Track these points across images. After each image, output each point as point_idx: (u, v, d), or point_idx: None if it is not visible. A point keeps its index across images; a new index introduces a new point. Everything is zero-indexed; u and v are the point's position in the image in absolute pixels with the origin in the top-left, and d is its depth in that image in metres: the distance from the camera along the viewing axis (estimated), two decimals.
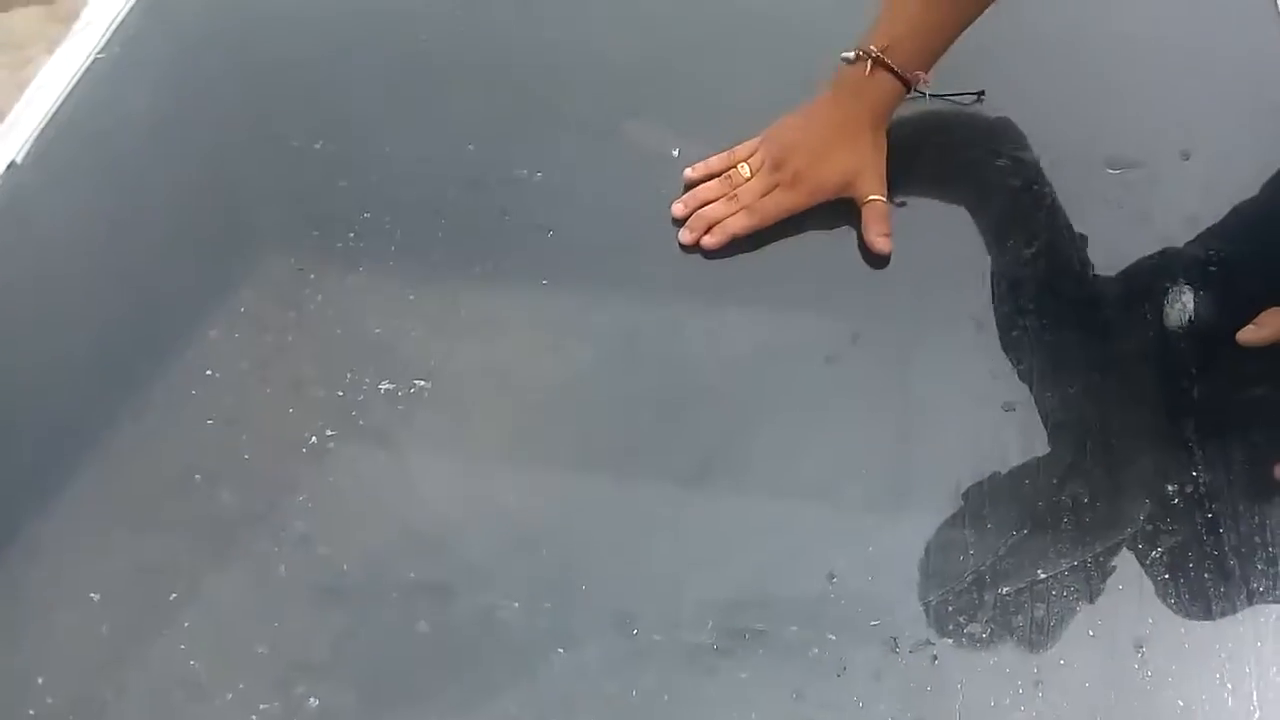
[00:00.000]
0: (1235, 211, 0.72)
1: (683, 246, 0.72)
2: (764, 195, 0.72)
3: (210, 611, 0.59)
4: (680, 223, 0.73)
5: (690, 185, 0.75)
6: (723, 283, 0.71)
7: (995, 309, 0.68)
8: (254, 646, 0.57)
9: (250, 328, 0.71)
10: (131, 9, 0.95)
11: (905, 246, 0.71)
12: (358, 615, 0.58)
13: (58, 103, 0.88)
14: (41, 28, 2.62)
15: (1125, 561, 0.57)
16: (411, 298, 0.72)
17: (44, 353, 0.73)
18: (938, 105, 0.78)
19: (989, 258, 0.71)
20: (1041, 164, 0.76)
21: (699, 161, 0.76)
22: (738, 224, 0.72)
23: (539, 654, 0.56)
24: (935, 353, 0.67)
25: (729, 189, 0.73)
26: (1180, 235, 0.71)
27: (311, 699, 0.55)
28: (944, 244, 0.72)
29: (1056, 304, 0.68)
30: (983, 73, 0.79)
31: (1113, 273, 0.70)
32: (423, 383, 0.67)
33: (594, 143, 0.80)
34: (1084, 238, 0.72)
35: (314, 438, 0.65)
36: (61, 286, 0.77)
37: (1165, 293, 0.69)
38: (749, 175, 0.73)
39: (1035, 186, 0.74)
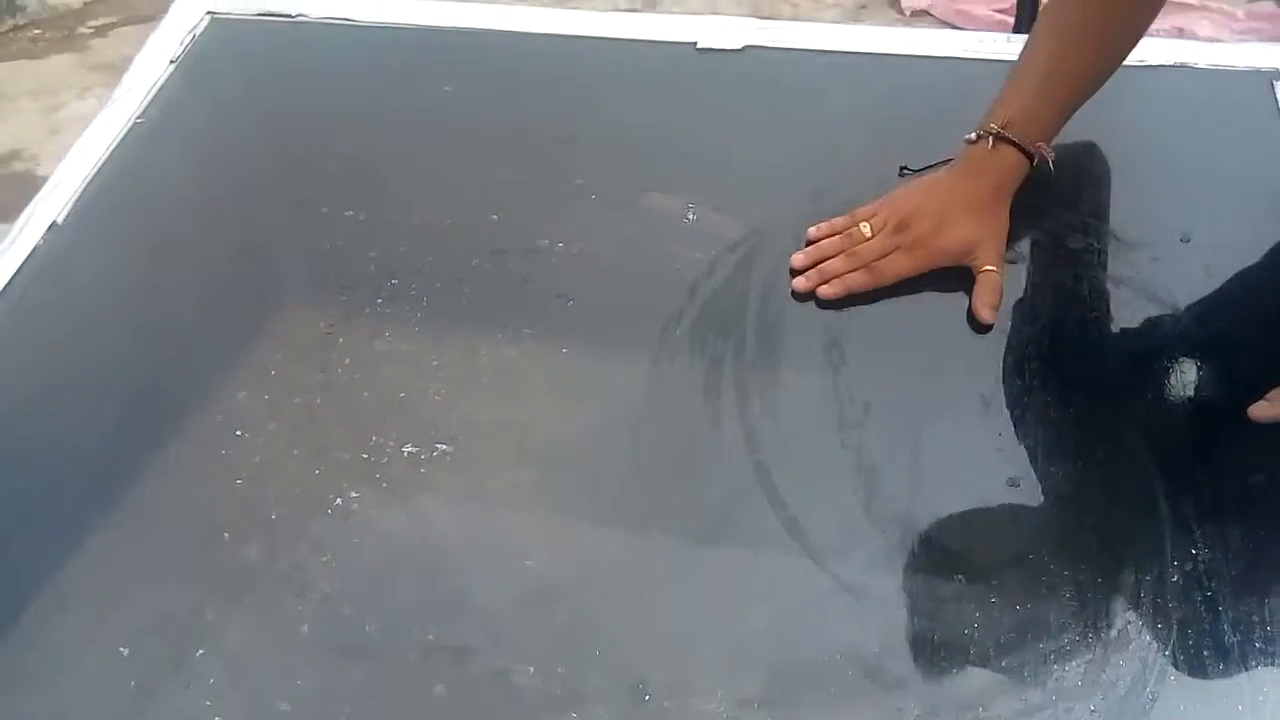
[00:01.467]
0: (1234, 292, 0.75)
1: (795, 295, 0.75)
2: (883, 256, 0.75)
3: (235, 668, 0.61)
4: (798, 272, 0.76)
5: (810, 241, 0.78)
6: (735, 349, 0.74)
7: (1004, 385, 0.70)
8: (277, 704, 0.59)
9: (280, 389, 0.73)
10: (170, 76, 0.99)
11: (919, 321, 0.74)
12: (378, 675, 0.60)
13: (97, 165, 0.92)
14: (73, 75, 2.70)
15: (1125, 636, 0.59)
16: (435, 362, 0.75)
17: (77, 409, 0.76)
18: None
19: (1000, 335, 0.73)
20: (1050, 244, 0.78)
21: (799, 234, 0.79)
22: (857, 280, 0.75)
23: (551, 717, 0.57)
24: (944, 426, 0.69)
25: (849, 245, 0.76)
26: (1181, 313, 0.74)
27: None
28: (956, 320, 0.74)
29: (1061, 381, 0.70)
30: None
31: (1117, 350, 0.72)
32: (444, 446, 0.70)
33: (610, 214, 0.83)
34: (1093, 315, 0.74)
35: (339, 499, 0.67)
36: (97, 344, 0.80)
37: (1167, 370, 0.71)
38: (869, 235, 0.76)
39: (1043, 265, 0.77)
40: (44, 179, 2.58)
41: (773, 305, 0.76)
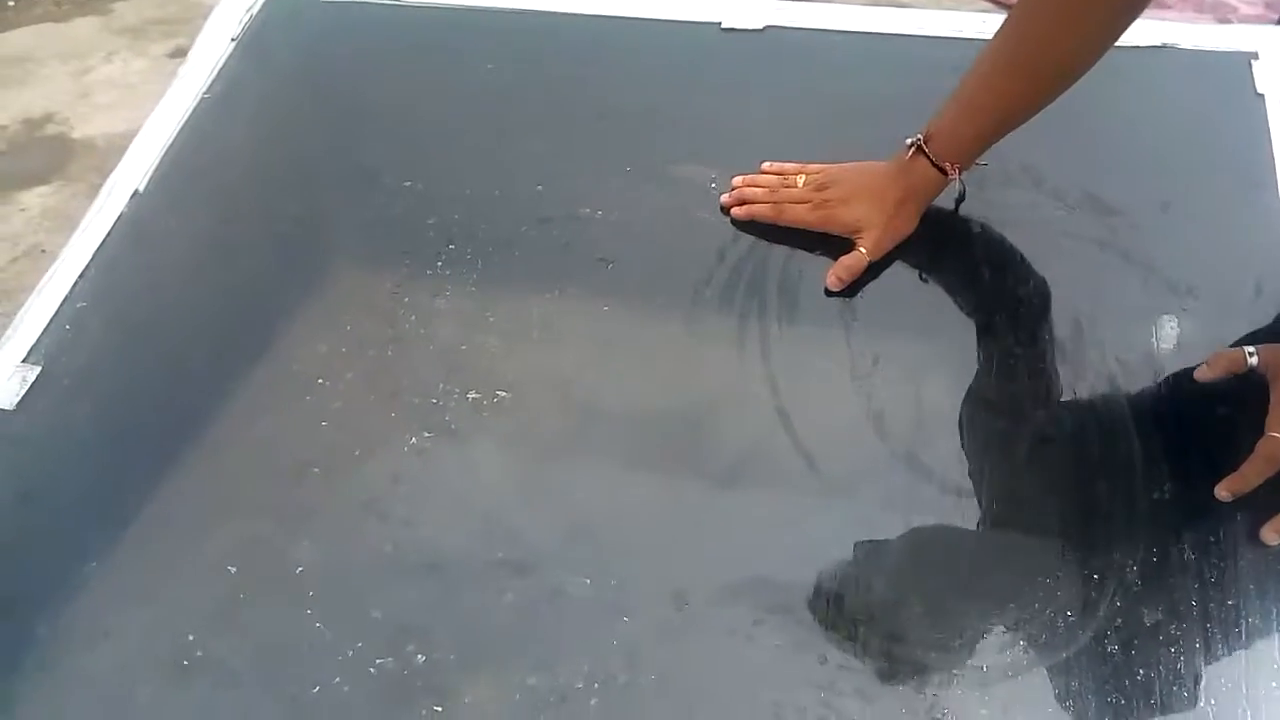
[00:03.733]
0: (1206, 255, 0.83)
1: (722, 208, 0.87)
2: (795, 203, 0.85)
3: (331, 583, 0.70)
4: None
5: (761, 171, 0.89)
6: (759, 307, 0.82)
7: (997, 336, 0.79)
8: (370, 612, 0.69)
9: (354, 343, 0.82)
10: (231, 53, 1.07)
11: (922, 286, 0.83)
12: (453, 586, 0.70)
13: (172, 137, 1.00)
14: (98, 38, 2.76)
15: (1116, 582, 0.68)
16: (491, 319, 0.84)
17: (171, 361, 0.85)
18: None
19: (995, 293, 0.82)
20: (1043, 207, 0.86)
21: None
22: (761, 210, 0.85)
23: (606, 622, 0.67)
24: (944, 377, 0.78)
25: (779, 186, 0.87)
26: (1159, 273, 0.82)
27: (419, 655, 0.66)
28: (955, 283, 0.83)
29: (1049, 334, 0.79)
30: None
31: (1097, 305, 0.81)
32: (503, 393, 0.79)
33: (644, 184, 0.91)
34: (1079, 275, 0.82)
35: (413, 438, 0.76)
36: (185, 301, 0.89)
37: (1143, 323, 0.79)
38: (799, 186, 0.86)
39: (1035, 227, 0.85)
40: (77, 141, 2.66)
41: (792, 268, 0.84)
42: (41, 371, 0.83)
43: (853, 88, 0.97)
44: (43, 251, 2.03)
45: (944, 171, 0.81)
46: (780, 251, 0.85)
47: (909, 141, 0.82)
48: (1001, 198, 0.87)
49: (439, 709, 0.64)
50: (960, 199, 0.85)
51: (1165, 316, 0.80)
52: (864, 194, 0.83)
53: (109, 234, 0.93)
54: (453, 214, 0.90)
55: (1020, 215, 0.86)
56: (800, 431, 0.76)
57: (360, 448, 0.77)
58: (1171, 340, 0.79)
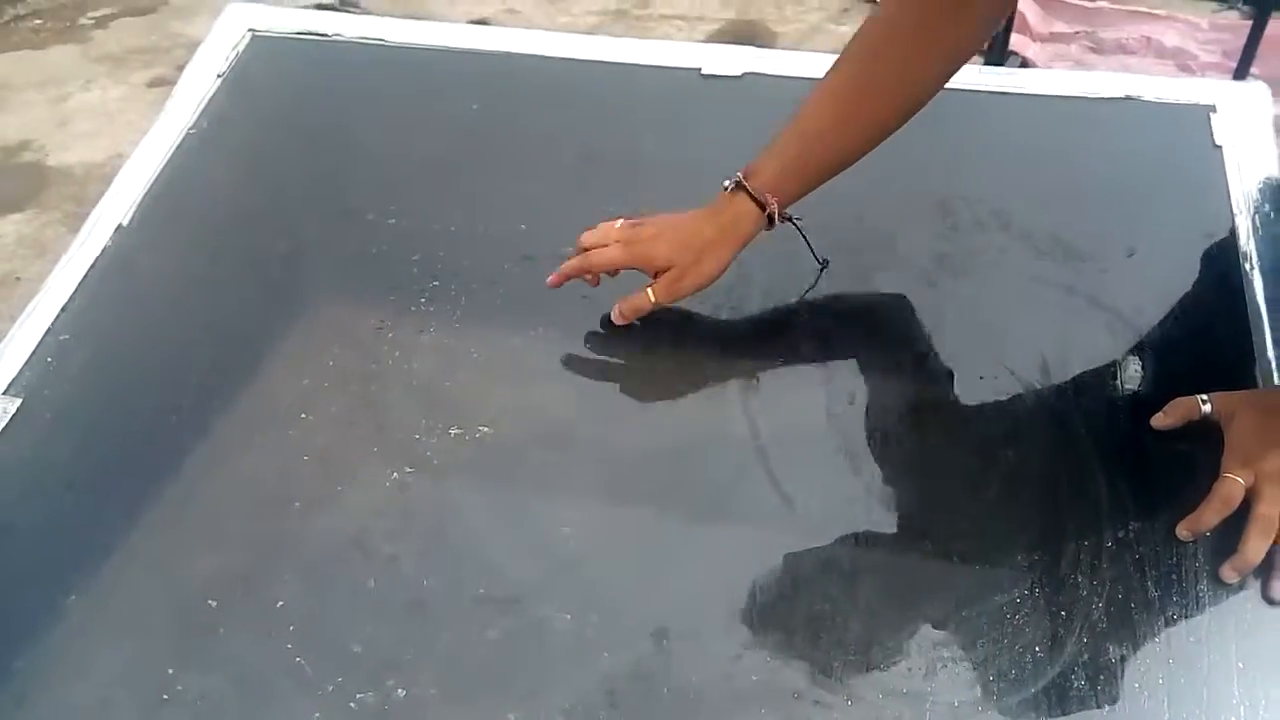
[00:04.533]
0: (1170, 300, 0.86)
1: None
2: (606, 247, 0.83)
3: (312, 618, 0.71)
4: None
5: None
6: (738, 346, 0.84)
7: (968, 377, 0.82)
8: (350, 647, 0.69)
9: (338, 378, 0.83)
10: (217, 90, 1.09)
11: (898, 329, 0.85)
12: (437, 622, 0.70)
13: (157, 171, 1.01)
14: (76, 66, 2.77)
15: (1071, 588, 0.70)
16: (475, 355, 0.85)
17: (152, 395, 0.85)
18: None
19: (972, 335, 0.84)
20: (1012, 253, 0.89)
21: None
22: (568, 266, 0.84)
23: (588, 657, 0.68)
24: (918, 415, 0.80)
25: (602, 233, 0.85)
26: (1124, 318, 0.85)
27: (400, 690, 0.67)
28: (933, 324, 0.86)
29: (1022, 374, 0.81)
30: (967, 169, 0.93)
31: (1066, 347, 0.83)
32: (485, 428, 0.80)
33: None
34: (1048, 318, 0.85)
35: (395, 473, 0.77)
36: (167, 334, 0.90)
37: (1109, 366, 0.82)
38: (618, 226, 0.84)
39: (1006, 273, 0.88)
40: (54, 169, 2.66)
41: (769, 306, 0.86)
42: (22, 404, 0.83)
43: None
44: (17, 279, 2.02)
45: (762, 205, 0.80)
46: (757, 292, 0.87)
47: (727, 182, 0.81)
48: (972, 241, 0.90)
49: None
50: (823, 264, 0.85)
51: (1129, 359, 0.82)
52: (672, 234, 0.82)
53: (92, 266, 0.93)
54: (437, 250, 0.91)
55: (991, 258, 0.89)
56: (778, 469, 0.77)
57: (342, 482, 0.77)
58: (1134, 382, 0.81)
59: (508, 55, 1.09)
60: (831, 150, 0.80)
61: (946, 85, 1.01)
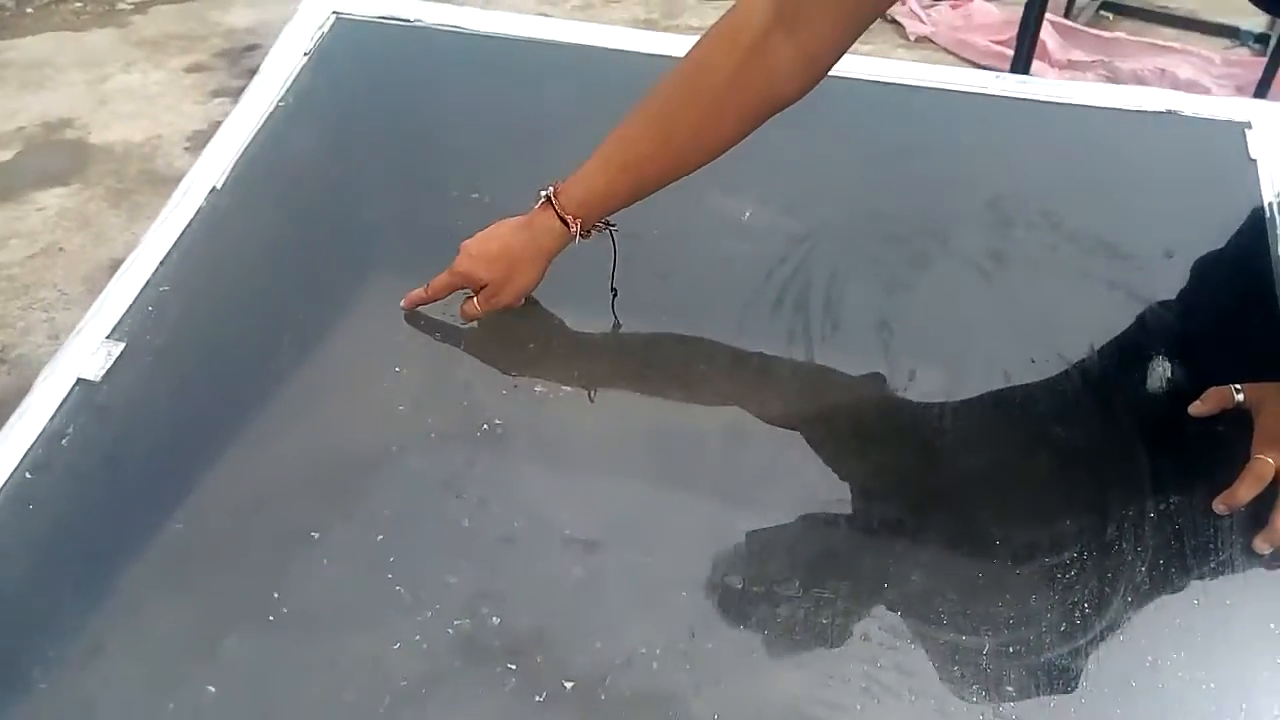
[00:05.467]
0: (1205, 297, 0.92)
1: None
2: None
3: (411, 552, 0.75)
4: None
5: None
6: (773, 335, 0.90)
7: (1020, 360, 0.87)
8: (447, 578, 0.74)
9: (430, 337, 0.89)
10: (303, 67, 1.14)
11: (951, 310, 0.91)
12: (526, 559, 0.75)
13: (248, 139, 1.06)
14: (116, 49, 2.82)
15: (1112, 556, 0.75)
16: (556, 321, 0.90)
17: (249, 344, 0.90)
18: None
19: (1016, 326, 0.90)
20: (1059, 252, 0.95)
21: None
22: (412, 296, 0.88)
23: (668, 595, 0.73)
24: (972, 393, 0.86)
25: None
26: (1162, 313, 0.90)
27: (494, 618, 0.72)
28: (977, 306, 0.91)
29: (1062, 363, 0.87)
30: (1016, 172, 0.99)
31: (1107, 339, 0.89)
32: (567, 388, 0.85)
33: (691, 206, 0.99)
34: (1090, 311, 0.91)
35: (485, 424, 0.82)
36: (261, 289, 0.95)
37: (1147, 358, 0.88)
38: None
39: (1051, 270, 0.94)
40: (96, 147, 2.70)
41: (830, 292, 0.92)
42: (125, 347, 0.88)
43: (877, 131, 1.06)
44: (60, 250, 2.07)
45: (568, 224, 0.83)
46: (822, 275, 0.93)
47: (542, 194, 0.85)
48: (1021, 237, 0.96)
49: (512, 666, 0.70)
50: (614, 265, 0.87)
51: (1167, 350, 0.88)
52: (490, 252, 0.86)
53: (188, 225, 0.98)
54: None
55: (1039, 254, 0.95)
56: (844, 440, 0.83)
57: (435, 431, 0.82)
58: (1172, 372, 0.87)
59: (586, 48, 1.15)
60: (642, 180, 0.83)
61: (997, 92, 1.08)
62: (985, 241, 0.96)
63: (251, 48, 2.78)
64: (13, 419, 0.84)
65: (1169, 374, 0.87)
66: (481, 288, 0.87)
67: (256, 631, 0.72)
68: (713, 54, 0.78)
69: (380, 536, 0.76)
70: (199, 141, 2.45)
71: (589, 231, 0.85)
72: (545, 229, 0.85)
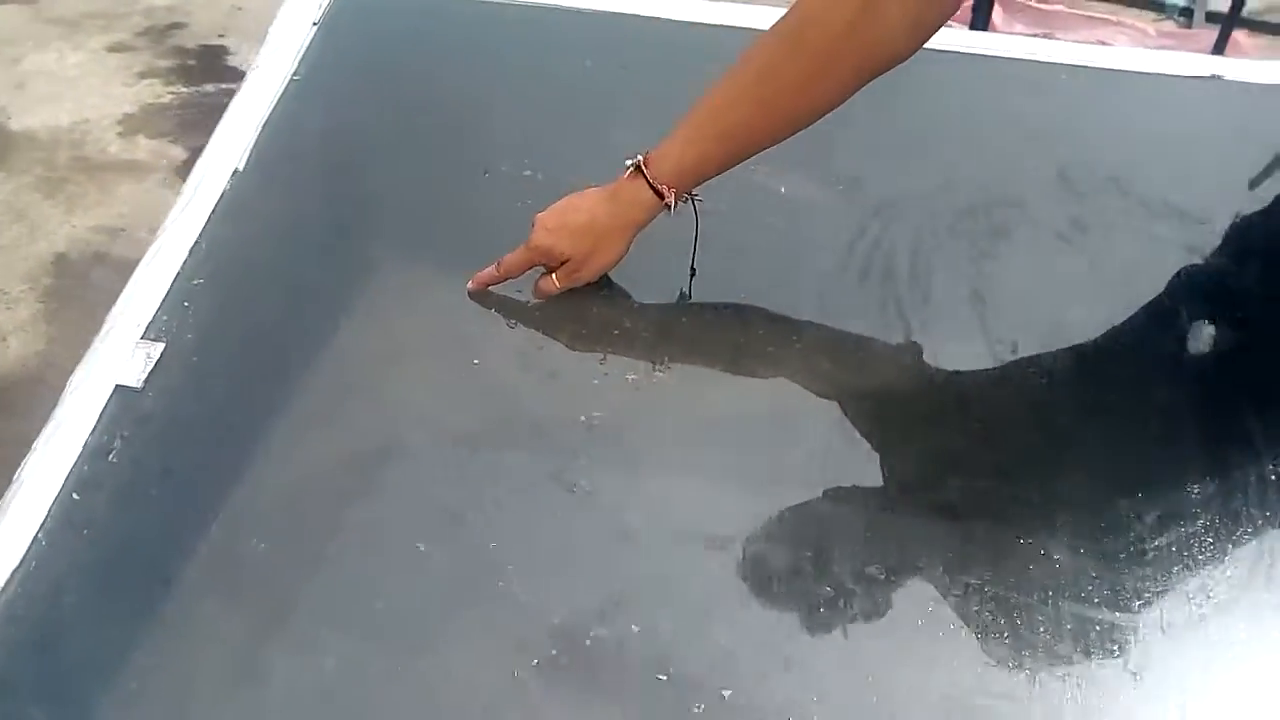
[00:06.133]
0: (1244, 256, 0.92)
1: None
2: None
3: (528, 557, 0.69)
4: None
5: None
6: (864, 310, 0.86)
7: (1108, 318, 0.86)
8: (570, 583, 0.68)
9: (504, 320, 0.83)
10: (314, 38, 1.06)
11: (1051, 279, 0.89)
12: (653, 560, 0.70)
13: (265, 116, 0.98)
14: (28, 28, 2.62)
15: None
16: (633, 303, 0.85)
17: (302, 339, 0.83)
18: None
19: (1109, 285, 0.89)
20: (1127, 215, 0.94)
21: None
22: (481, 275, 0.83)
23: (815, 586, 0.69)
24: (1072, 351, 0.84)
25: None
26: (1237, 272, 0.90)
27: (633, 625, 0.67)
28: (1073, 271, 0.90)
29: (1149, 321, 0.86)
30: (1079, 140, 0.98)
31: (1190, 297, 0.88)
32: (660, 374, 0.80)
33: (753, 183, 0.95)
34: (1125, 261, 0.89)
35: (583, 416, 0.77)
36: (305, 278, 0.87)
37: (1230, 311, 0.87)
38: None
39: (1097, 224, 0.93)
40: (17, 133, 2.51)
41: (917, 261, 0.89)
42: (165, 349, 0.80)
43: (939, 102, 1.03)
44: None
45: (660, 195, 0.78)
46: (904, 247, 0.90)
47: (629, 162, 0.79)
48: (1094, 203, 0.94)
49: (662, 677, 0.65)
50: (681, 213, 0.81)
51: (1245, 306, 0.87)
52: (571, 225, 0.80)
53: (213, 210, 0.90)
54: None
55: (1112, 219, 0.94)
56: (959, 422, 0.79)
57: (532, 423, 0.77)
58: (1255, 327, 0.87)
59: (615, 15, 1.09)
60: (738, 148, 0.78)
61: (1044, 58, 1.07)
62: (1059, 208, 0.94)
63: (175, 26, 2.61)
64: (47, 432, 0.75)
65: (1252, 328, 0.86)
66: (560, 264, 0.81)
67: (368, 655, 0.65)
68: (822, 9, 0.74)
69: (494, 544, 0.70)
70: (132, 126, 2.29)
71: (680, 200, 0.80)
72: (634, 200, 0.79)
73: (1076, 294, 0.88)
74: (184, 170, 2.35)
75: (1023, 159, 0.98)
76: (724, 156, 0.78)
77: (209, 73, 2.49)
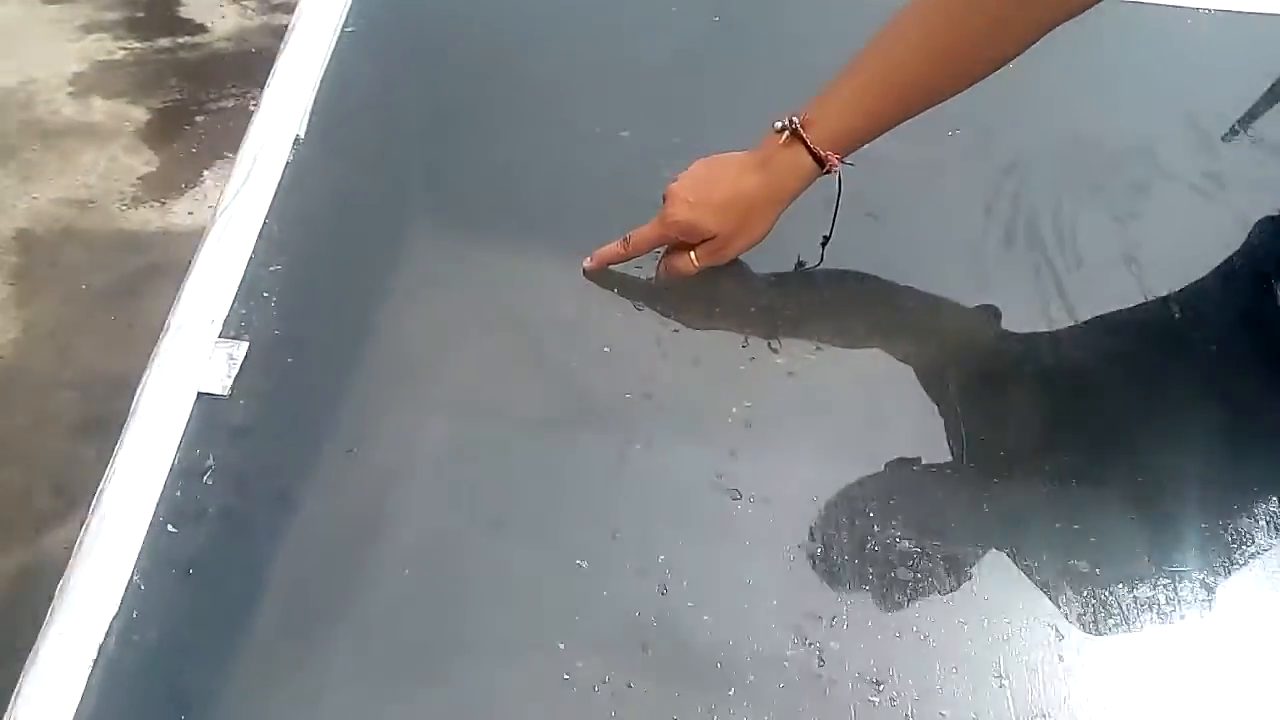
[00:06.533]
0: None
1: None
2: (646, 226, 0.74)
3: (698, 568, 0.62)
4: None
5: None
6: (1016, 277, 0.80)
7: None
8: (751, 594, 0.61)
9: (626, 301, 0.75)
10: None
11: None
12: (831, 565, 0.63)
13: (319, 76, 0.87)
14: None
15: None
16: (764, 275, 0.77)
17: (409, 333, 0.73)
18: None
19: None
20: (1264, 166, 0.89)
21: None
22: (606, 252, 0.75)
23: (1013, 584, 0.63)
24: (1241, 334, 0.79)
25: None
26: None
27: (833, 642, 0.60)
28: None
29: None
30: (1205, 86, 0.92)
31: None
32: (810, 357, 0.73)
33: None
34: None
35: (734, 408, 0.69)
36: (400, 258, 0.77)
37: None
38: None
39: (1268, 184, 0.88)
40: None
41: (1061, 221, 0.82)
42: (250, 347, 0.70)
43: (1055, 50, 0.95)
44: None
45: (822, 161, 0.70)
46: (1046, 207, 0.83)
47: (778, 125, 0.70)
48: (1232, 155, 0.88)
49: (873, 700, 0.58)
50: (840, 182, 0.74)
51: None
52: (714, 198, 0.72)
53: (279, 185, 0.79)
54: (677, 164, 0.80)
55: (1251, 172, 0.88)
56: (1144, 396, 0.73)
57: (681, 418, 0.69)
58: None
59: None
60: (907, 107, 0.70)
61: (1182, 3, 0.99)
62: (1195, 162, 0.88)
63: None
64: (124, 452, 0.65)
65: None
66: (700, 241, 0.73)
67: (557, 700, 0.58)
68: None
69: (661, 556, 0.63)
70: (84, 86, 2.10)
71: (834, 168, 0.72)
72: (789, 168, 0.71)
73: (1227, 253, 0.83)
74: (149, 135, 2.18)
75: (1150, 107, 0.92)
76: (891, 116, 0.70)
77: (162, 25, 2.30)
